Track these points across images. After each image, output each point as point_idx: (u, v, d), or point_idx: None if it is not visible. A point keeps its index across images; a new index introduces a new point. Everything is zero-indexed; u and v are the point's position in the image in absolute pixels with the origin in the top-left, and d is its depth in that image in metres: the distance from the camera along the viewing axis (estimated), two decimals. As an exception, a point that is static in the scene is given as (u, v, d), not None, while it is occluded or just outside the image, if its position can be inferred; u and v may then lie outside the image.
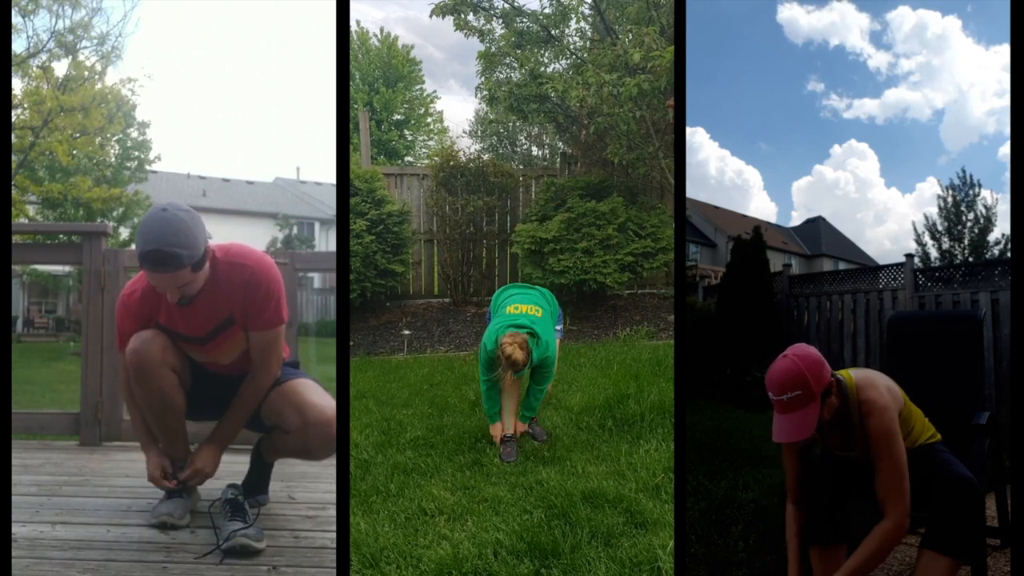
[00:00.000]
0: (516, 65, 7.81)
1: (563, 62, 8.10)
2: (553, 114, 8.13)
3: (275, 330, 2.54)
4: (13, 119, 13.60)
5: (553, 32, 7.69)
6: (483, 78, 7.94)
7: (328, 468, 3.15)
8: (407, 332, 7.03)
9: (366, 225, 7.12)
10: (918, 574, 2.08)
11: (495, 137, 18.44)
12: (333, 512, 2.60)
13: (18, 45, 14.24)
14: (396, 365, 5.96)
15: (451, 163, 7.93)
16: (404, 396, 4.77)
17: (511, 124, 17.76)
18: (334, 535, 2.42)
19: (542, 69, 7.73)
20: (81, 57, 15.18)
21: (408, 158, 22.25)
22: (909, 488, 2.03)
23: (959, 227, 15.80)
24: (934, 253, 15.91)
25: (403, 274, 7.59)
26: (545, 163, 13.85)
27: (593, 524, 2.69)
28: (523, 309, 3.69)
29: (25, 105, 14.04)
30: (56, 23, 14.72)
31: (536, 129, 17.23)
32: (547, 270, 7.05)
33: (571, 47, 7.94)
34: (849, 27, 23.22)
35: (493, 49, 7.78)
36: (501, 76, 8.03)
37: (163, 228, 2.22)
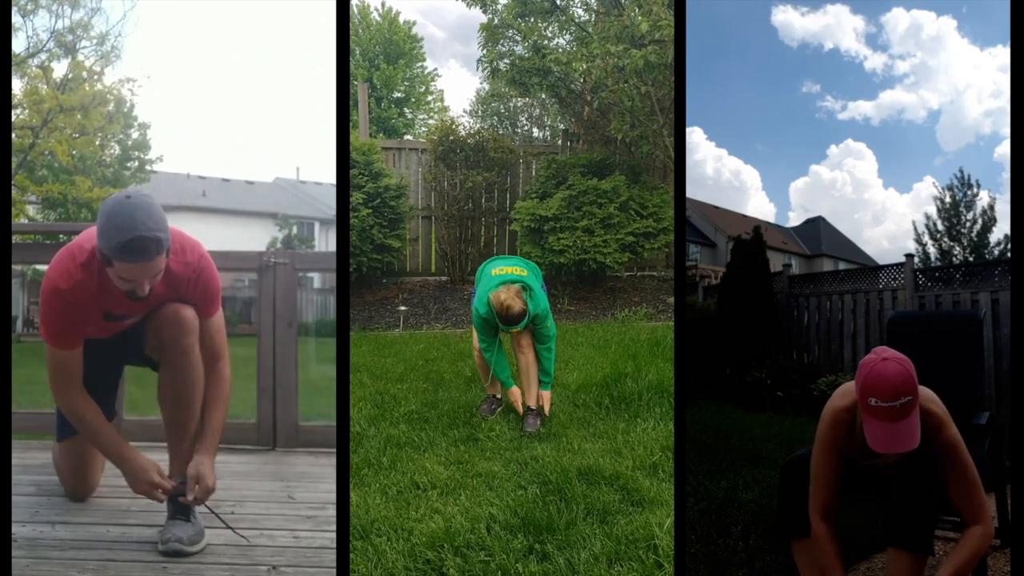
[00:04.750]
0: (519, 39, 7.71)
1: (567, 36, 8.03)
2: (556, 88, 8.06)
3: (220, 314, 2.53)
4: (13, 119, 13.59)
5: (558, 1, 7.61)
6: (485, 51, 7.84)
7: (328, 468, 3.15)
8: (403, 308, 7.03)
9: (363, 198, 7.07)
10: (888, 572, 2.09)
11: (495, 117, 18.40)
12: (333, 512, 2.60)
13: (17, 45, 14.25)
14: (391, 340, 5.96)
15: (450, 137, 7.84)
16: (399, 371, 4.77)
17: (512, 104, 17.69)
18: (334, 535, 2.42)
19: (545, 42, 7.65)
20: (80, 57, 15.19)
21: (407, 136, 22.18)
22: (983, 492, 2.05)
23: (958, 227, 15.81)
24: (934, 253, 15.92)
25: (400, 250, 7.55)
26: (546, 144, 13.79)
27: (589, 501, 2.69)
28: (507, 270, 3.72)
29: (25, 105, 14.03)
30: (56, 23, 14.74)
31: (537, 111, 17.17)
32: (546, 249, 7.03)
33: (576, 19, 7.85)
34: (844, 29, 23.27)
35: (496, 21, 7.69)
36: (503, 49, 7.92)
37: (138, 214, 2.11)
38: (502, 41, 7.91)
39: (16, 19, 14.05)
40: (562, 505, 2.66)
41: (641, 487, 2.81)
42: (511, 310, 3.46)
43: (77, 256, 2.29)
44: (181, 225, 2.60)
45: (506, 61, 7.77)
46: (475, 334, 3.83)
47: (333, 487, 2.81)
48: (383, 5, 24.10)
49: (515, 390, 3.70)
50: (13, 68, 13.51)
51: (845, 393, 2.12)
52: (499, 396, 3.86)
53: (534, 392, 3.69)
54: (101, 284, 2.30)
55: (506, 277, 3.65)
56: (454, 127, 8.07)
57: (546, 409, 3.67)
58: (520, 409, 3.66)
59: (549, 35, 7.97)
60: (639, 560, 2.30)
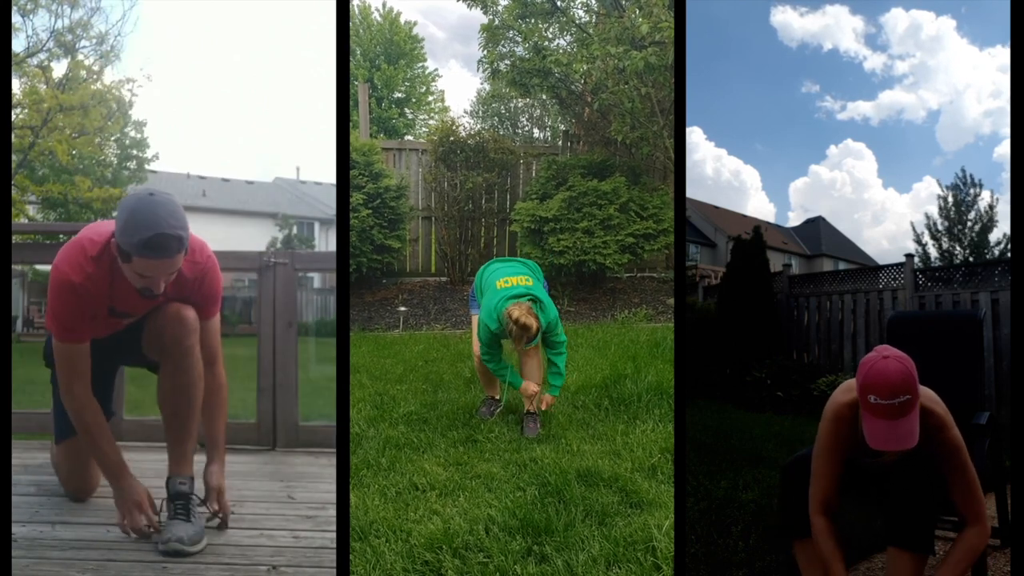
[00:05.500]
0: (520, 40, 7.72)
1: (568, 37, 8.03)
2: (556, 89, 8.06)
3: (218, 316, 2.56)
4: (13, 119, 13.59)
5: (559, 3, 7.61)
6: (485, 51, 7.84)
7: (328, 468, 3.15)
8: (403, 309, 7.06)
9: (363, 199, 7.08)
10: (888, 571, 2.09)
11: (496, 118, 18.42)
12: (333, 512, 2.60)
13: (17, 45, 14.25)
14: (391, 341, 5.98)
15: (451, 138, 7.84)
16: (398, 372, 4.77)
17: (512, 105, 17.71)
18: (334, 535, 2.42)
19: (546, 43, 7.66)
20: (80, 57, 15.19)
21: (408, 137, 22.18)
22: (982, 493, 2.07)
23: (959, 227, 15.82)
24: (934, 253, 15.94)
25: (400, 250, 7.56)
26: (547, 144, 13.79)
27: (588, 502, 2.69)
28: (513, 281, 3.67)
29: (25, 105, 14.03)
30: (55, 22, 14.74)
31: (538, 111, 17.19)
32: (546, 250, 7.03)
33: (576, 21, 7.85)
34: (843, 29, 23.32)
35: (496, 22, 7.69)
36: (504, 50, 7.93)
37: (161, 211, 2.13)
38: (503, 42, 7.91)
39: (16, 19, 14.06)
40: (561, 507, 2.66)
41: (640, 489, 2.81)
42: (528, 331, 3.43)
43: (88, 249, 2.28)
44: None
45: (507, 62, 7.78)
46: (475, 341, 3.81)
47: (333, 487, 2.81)
48: (384, 5, 24.16)
49: (528, 383, 3.61)
50: (13, 68, 13.51)
51: (848, 389, 2.12)
52: (498, 398, 3.84)
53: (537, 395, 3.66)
54: (111, 279, 2.30)
55: (514, 291, 3.59)
56: (454, 128, 8.07)
57: (544, 405, 3.64)
58: (531, 404, 3.58)
59: (549, 36, 7.97)
60: (637, 562, 2.30)
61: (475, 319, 3.88)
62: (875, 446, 1.94)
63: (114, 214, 2.26)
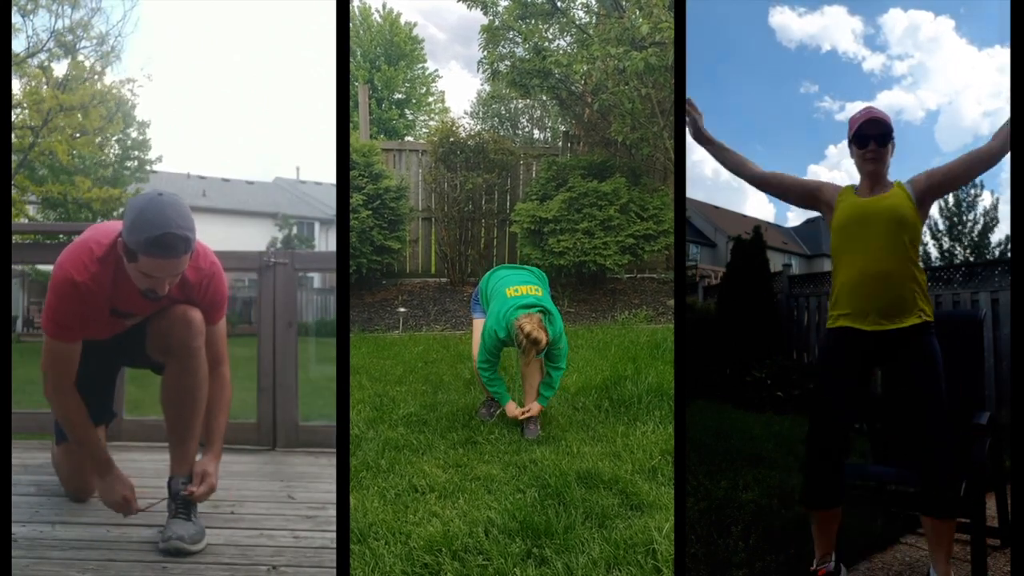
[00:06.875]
0: (520, 40, 7.73)
1: (568, 38, 8.03)
2: (556, 90, 8.06)
3: (224, 321, 2.57)
4: (13, 119, 13.59)
5: (559, 3, 7.61)
6: (485, 52, 7.84)
7: (328, 468, 3.16)
8: (403, 310, 7.06)
9: (363, 200, 7.07)
10: (928, 540, 2.24)
11: (496, 119, 18.44)
12: (333, 512, 2.60)
13: (17, 45, 14.25)
14: (391, 342, 5.98)
15: (451, 139, 7.83)
16: (398, 373, 4.77)
17: (512, 105, 17.73)
18: (334, 535, 2.42)
19: (546, 44, 7.66)
20: (80, 57, 15.19)
21: (408, 138, 22.22)
22: None
23: (959, 227, 15.81)
24: (935, 253, 15.93)
25: (400, 251, 7.56)
26: (547, 145, 13.78)
27: (588, 505, 2.69)
28: (523, 291, 3.65)
29: (25, 105, 14.03)
30: (56, 23, 14.74)
31: (538, 112, 17.21)
32: (546, 251, 7.03)
33: (576, 21, 7.84)
34: (841, 30, 23.34)
35: (497, 23, 7.69)
36: (504, 51, 7.94)
37: (169, 211, 2.14)
38: (503, 43, 7.92)
39: (16, 19, 14.06)
40: (561, 509, 2.65)
41: (640, 491, 2.81)
42: (538, 344, 3.42)
43: (95, 250, 2.29)
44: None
45: (507, 63, 7.78)
46: (474, 346, 3.80)
47: (333, 487, 2.81)
48: (384, 6, 24.19)
49: (512, 404, 3.64)
50: (13, 68, 13.50)
51: None
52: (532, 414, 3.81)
53: (534, 398, 3.66)
54: (115, 280, 2.30)
55: (523, 300, 3.57)
56: (454, 128, 8.07)
57: (521, 414, 3.60)
58: (520, 416, 3.58)
59: (550, 37, 7.98)
60: (637, 565, 2.30)
61: (477, 322, 3.87)
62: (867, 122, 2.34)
63: (115, 214, 2.26)
